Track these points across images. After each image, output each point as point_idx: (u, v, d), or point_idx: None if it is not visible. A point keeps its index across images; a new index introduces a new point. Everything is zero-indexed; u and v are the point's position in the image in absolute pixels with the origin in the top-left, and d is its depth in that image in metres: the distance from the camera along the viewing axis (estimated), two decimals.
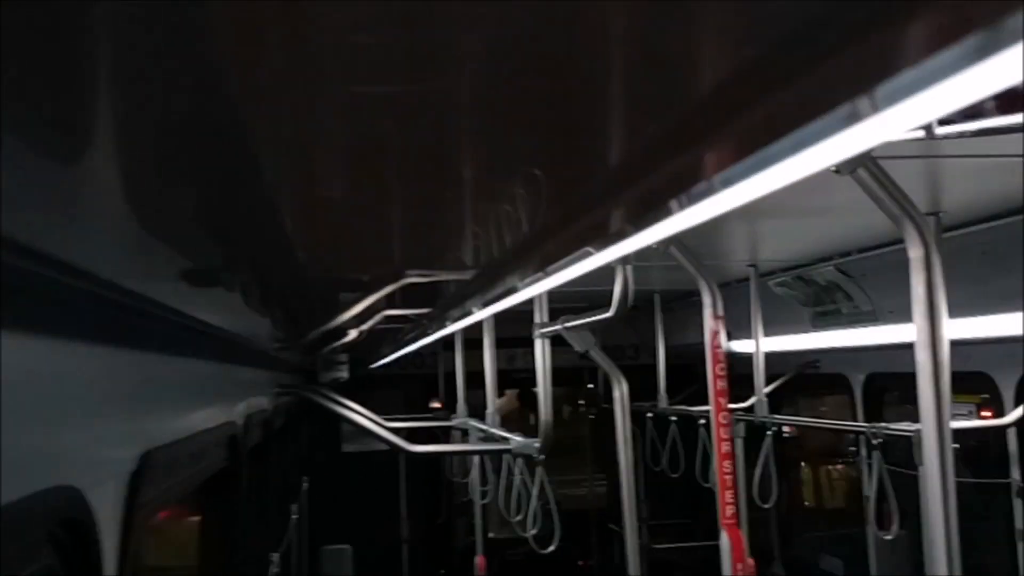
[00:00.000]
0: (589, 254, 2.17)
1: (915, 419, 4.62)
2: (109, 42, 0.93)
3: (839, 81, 0.77)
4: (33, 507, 1.18)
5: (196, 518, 3.38)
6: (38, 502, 1.20)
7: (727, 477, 3.59)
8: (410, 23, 0.97)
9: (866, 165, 2.27)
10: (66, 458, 1.38)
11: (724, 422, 3.63)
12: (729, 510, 3.52)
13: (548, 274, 2.36)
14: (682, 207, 1.25)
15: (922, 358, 2.06)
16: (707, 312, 3.67)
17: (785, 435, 7.68)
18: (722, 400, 3.60)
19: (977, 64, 0.62)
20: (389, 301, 4.78)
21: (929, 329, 2.06)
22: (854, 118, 0.76)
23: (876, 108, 0.74)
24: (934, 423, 2.04)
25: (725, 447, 3.63)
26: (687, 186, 1.20)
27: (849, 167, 2.26)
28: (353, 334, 5.95)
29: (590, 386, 10.41)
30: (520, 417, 10.06)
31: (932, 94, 0.67)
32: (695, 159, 1.13)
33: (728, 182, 1.05)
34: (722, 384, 3.60)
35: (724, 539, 3.48)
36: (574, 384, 10.28)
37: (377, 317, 5.21)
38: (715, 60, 1.07)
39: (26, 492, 1.14)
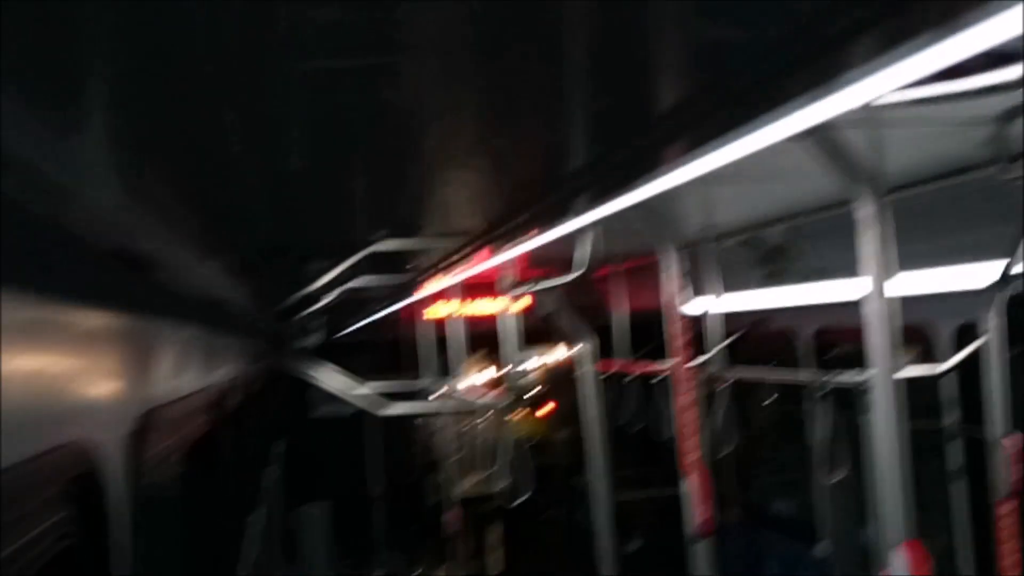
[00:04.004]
0: (554, 225, 2.25)
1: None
2: (82, 32, 0.98)
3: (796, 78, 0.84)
4: (48, 465, 1.25)
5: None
6: (52, 459, 1.27)
7: (687, 427, 3.83)
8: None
9: (819, 133, 2.36)
10: (75, 421, 1.45)
11: (684, 375, 3.86)
12: (691, 457, 3.77)
13: (514, 246, 2.42)
14: (637, 186, 1.29)
15: (871, 308, 2.22)
16: (666, 274, 3.86)
17: (740, 385, 7.99)
18: (682, 356, 3.82)
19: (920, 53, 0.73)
20: (360, 269, 4.92)
21: (878, 281, 2.23)
22: (809, 100, 0.86)
23: (830, 92, 0.83)
24: (884, 365, 2.21)
25: (685, 399, 3.86)
26: (645, 170, 1.24)
27: (803, 135, 2.41)
28: (325, 302, 6.06)
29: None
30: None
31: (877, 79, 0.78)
32: (653, 142, 1.21)
33: (682, 163, 1.12)
34: (682, 341, 3.81)
35: (687, 483, 3.72)
36: (543, 343, 10.52)
37: (348, 284, 5.34)
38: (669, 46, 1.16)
39: (41, 449, 1.21)
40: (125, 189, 1.79)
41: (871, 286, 2.24)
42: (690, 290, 6.59)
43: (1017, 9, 0.67)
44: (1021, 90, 2.78)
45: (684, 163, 1.17)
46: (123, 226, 1.80)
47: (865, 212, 2.31)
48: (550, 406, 11.12)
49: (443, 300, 6.38)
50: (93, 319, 1.63)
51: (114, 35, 1.04)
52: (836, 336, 6.54)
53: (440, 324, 7.02)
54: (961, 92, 2.77)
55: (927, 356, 5.51)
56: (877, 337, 2.23)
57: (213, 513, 3.54)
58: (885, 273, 2.24)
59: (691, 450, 3.83)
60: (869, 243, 2.27)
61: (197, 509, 3.46)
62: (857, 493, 5.32)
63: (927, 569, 2.13)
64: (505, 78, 1.39)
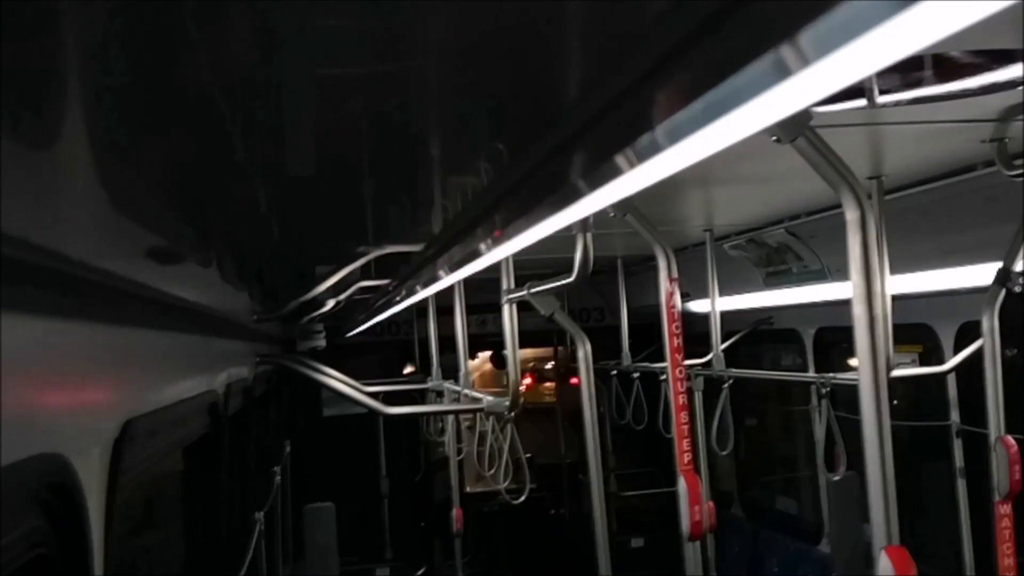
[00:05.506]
0: (550, 213, 2.24)
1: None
2: (77, 22, 0.96)
3: (776, 23, 0.75)
4: (19, 473, 1.23)
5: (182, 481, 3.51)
6: (24, 468, 1.25)
7: (684, 427, 3.85)
8: (375, 4, 1.03)
9: (805, 134, 2.38)
10: (51, 428, 1.44)
11: (680, 376, 3.89)
12: (686, 457, 3.80)
13: (512, 236, 2.42)
14: (632, 165, 1.31)
15: (858, 312, 2.22)
16: (662, 275, 3.89)
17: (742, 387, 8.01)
18: (678, 357, 3.85)
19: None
20: (363, 272, 4.97)
21: (864, 285, 2.22)
22: (785, 71, 0.76)
23: (809, 57, 0.74)
24: (870, 372, 2.21)
25: (681, 399, 3.89)
26: (637, 134, 1.22)
27: (789, 136, 2.36)
28: (329, 305, 6.11)
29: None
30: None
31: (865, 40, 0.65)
32: (644, 113, 1.17)
33: (675, 136, 1.09)
34: (677, 342, 3.84)
35: (681, 484, 3.76)
36: (542, 346, 10.57)
37: (352, 288, 5.38)
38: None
39: (12, 459, 1.19)
40: (115, 201, 1.79)
41: (857, 286, 2.25)
42: (689, 289, 6.63)
43: None
44: (1021, 90, 2.79)
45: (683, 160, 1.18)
46: (113, 238, 1.82)
47: (852, 213, 2.32)
48: (550, 404, 11.17)
49: (446, 302, 6.42)
50: (76, 329, 1.63)
51: (108, 38, 1.03)
52: (837, 335, 6.56)
53: (443, 325, 7.07)
54: (961, 92, 2.78)
55: (928, 356, 5.52)
56: (863, 336, 2.24)
57: (214, 514, 3.58)
58: (872, 273, 2.25)
59: (686, 448, 3.86)
60: (855, 244, 2.28)
61: (197, 511, 3.50)
62: (860, 488, 5.34)
63: (912, 574, 2.15)
64: (509, 80, 1.41)
